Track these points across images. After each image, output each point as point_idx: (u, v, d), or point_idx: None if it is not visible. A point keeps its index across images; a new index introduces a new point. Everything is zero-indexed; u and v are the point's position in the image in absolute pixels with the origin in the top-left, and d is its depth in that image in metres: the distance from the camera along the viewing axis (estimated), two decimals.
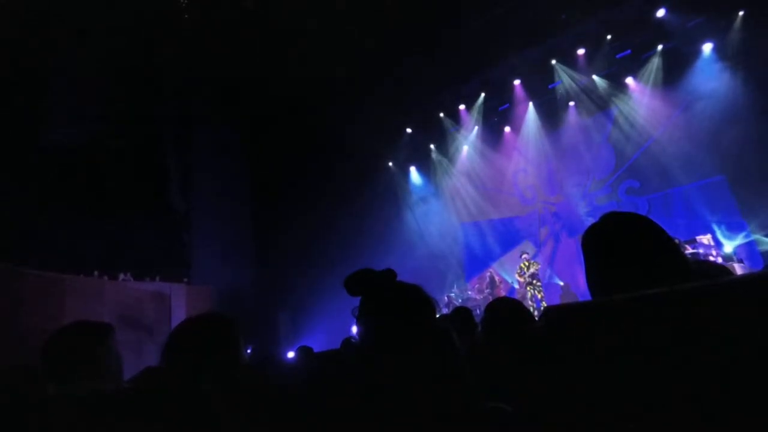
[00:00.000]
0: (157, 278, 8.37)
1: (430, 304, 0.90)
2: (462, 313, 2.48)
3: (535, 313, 7.07)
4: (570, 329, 0.60)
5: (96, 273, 7.52)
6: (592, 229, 0.96)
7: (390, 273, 0.94)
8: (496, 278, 9.27)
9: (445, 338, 0.84)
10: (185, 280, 9.02)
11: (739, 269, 6.27)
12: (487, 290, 9.19)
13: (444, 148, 10.90)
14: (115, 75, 8.51)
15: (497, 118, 10.28)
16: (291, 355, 6.38)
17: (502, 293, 8.94)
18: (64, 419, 0.98)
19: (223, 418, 0.98)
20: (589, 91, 9.19)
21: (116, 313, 6.62)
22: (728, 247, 7.27)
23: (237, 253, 10.80)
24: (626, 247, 0.88)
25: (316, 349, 3.36)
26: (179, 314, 7.68)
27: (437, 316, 0.97)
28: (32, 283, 5.81)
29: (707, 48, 8.00)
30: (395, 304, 0.88)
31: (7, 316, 5.27)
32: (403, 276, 0.98)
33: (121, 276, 8.05)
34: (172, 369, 1.17)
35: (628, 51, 8.67)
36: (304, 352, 3.26)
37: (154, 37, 8.24)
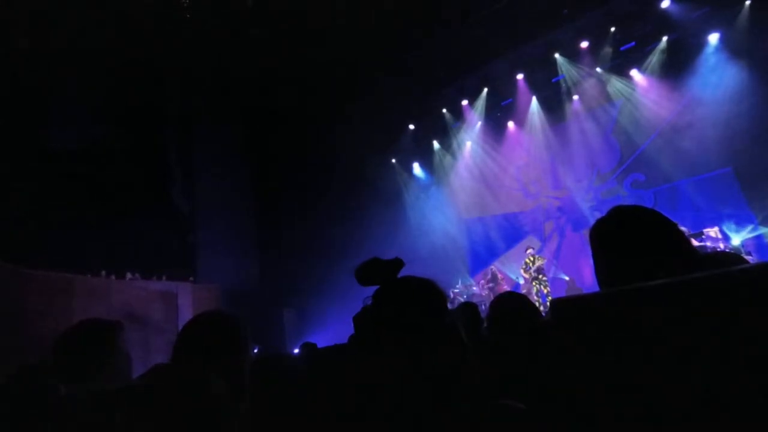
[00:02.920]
0: (164, 277, 8.44)
1: (443, 298, 0.89)
2: (467, 308, 2.48)
3: (541, 308, 7.05)
4: (577, 321, 0.60)
5: (103, 273, 7.60)
6: (600, 223, 0.95)
7: (398, 261, 0.93)
8: (499, 275, 9.24)
9: (454, 333, 0.83)
10: (191, 279, 9.09)
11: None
12: (490, 285, 9.16)
13: (447, 144, 10.86)
14: (118, 76, 8.55)
15: (500, 113, 10.22)
16: (296, 352, 6.41)
17: (505, 288, 8.91)
18: (75, 418, 0.99)
19: (229, 415, 0.99)
20: (593, 84, 9.10)
21: (124, 312, 6.67)
22: (736, 239, 7.20)
23: (241, 251, 10.86)
24: (635, 241, 0.87)
25: (321, 346, 3.37)
26: (186, 313, 7.74)
27: None
28: (40, 284, 5.87)
29: (713, 38, 7.89)
30: (408, 296, 0.88)
31: (16, 317, 5.34)
32: (407, 272, 0.97)
33: (128, 275, 8.12)
34: (180, 367, 1.17)
35: (633, 43, 8.58)
36: (308, 348, 3.26)
37: (157, 37, 8.26)
